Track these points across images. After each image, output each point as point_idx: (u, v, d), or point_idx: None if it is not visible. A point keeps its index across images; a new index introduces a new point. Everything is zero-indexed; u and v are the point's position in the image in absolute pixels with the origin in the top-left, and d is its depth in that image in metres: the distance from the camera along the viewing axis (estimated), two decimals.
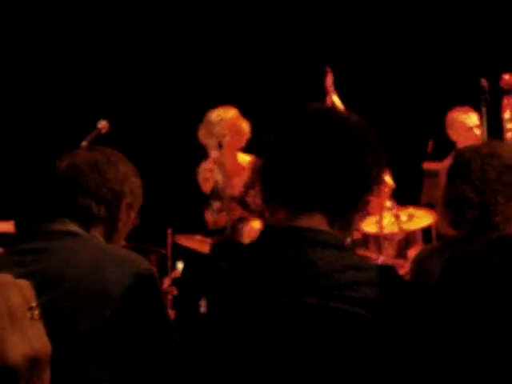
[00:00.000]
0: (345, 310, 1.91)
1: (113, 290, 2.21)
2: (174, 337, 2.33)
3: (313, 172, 2.05)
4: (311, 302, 1.93)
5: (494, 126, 5.81)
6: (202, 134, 5.36)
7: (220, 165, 5.16)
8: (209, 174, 5.23)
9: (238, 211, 5.24)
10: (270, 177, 2.14)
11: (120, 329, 2.21)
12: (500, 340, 2.00)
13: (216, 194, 5.24)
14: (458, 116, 6.27)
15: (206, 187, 5.34)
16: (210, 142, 5.25)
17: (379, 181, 2.15)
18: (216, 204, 5.20)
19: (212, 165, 5.26)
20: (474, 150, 2.77)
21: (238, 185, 5.37)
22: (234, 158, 5.41)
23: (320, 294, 1.93)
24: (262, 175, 2.15)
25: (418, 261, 2.95)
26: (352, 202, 2.10)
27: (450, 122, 6.33)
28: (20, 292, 1.51)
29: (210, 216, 5.28)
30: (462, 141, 6.08)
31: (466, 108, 6.12)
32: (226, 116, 5.29)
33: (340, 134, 2.10)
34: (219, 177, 5.25)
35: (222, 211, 5.18)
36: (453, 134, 6.32)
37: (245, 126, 5.36)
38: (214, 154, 5.20)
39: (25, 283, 1.53)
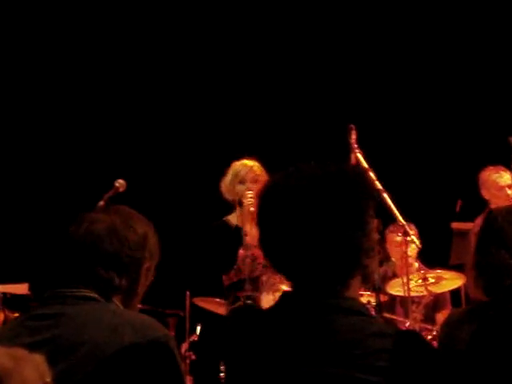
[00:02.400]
0: (368, 379, 1.86)
1: (131, 357, 2.17)
2: None
3: (300, 248, 2.02)
4: (334, 372, 1.88)
5: None
6: (227, 185, 5.27)
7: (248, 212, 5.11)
8: (253, 209, 5.12)
9: (263, 258, 5.13)
10: (267, 245, 2.12)
11: None
12: None
13: (242, 242, 5.16)
14: (491, 175, 6.21)
15: (251, 220, 5.20)
16: (241, 188, 5.16)
17: (372, 242, 2.08)
18: (241, 252, 5.12)
19: (251, 201, 5.15)
20: (506, 212, 2.67)
21: None
22: None
23: (343, 363, 1.88)
24: (261, 242, 2.14)
25: (447, 326, 2.82)
26: (347, 271, 2.04)
27: (483, 181, 6.29)
28: (35, 367, 1.52)
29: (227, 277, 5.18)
30: (494, 200, 6.01)
31: (499, 167, 6.06)
32: (255, 164, 5.24)
33: (319, 205, 2.03)
34: (246, 225, 5.17)
35: (246, 259, 5.11)
36: (485, 194, 6.27)
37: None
38: (249, 193, 5.10)
39: (39, 358, 1.55)
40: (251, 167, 5.23)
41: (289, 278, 2.11)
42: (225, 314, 5.21)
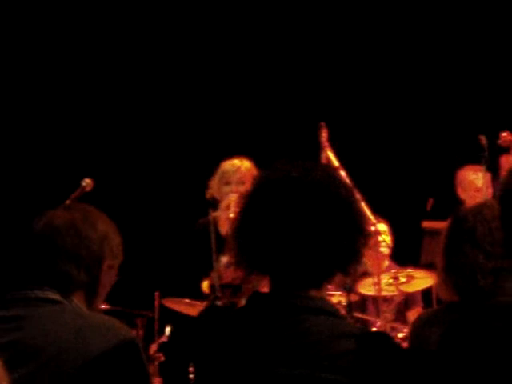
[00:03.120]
0: (335, 380, 1.87)
1: (94, 360, 2.15)
2: None
3: (285, 237, 2.01)
4: (301, 373, 1.88)
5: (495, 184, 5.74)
6: (215, 186, 5.20)
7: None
8: (232, 215, 5.03)
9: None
10: (245, 243, 2.10)
11: None
12: None
13: (224, 248, 5.10)
14: (468, 175, 6.27)
15: (225, 228, 5.11)
16: (226, 190, 5.08)
17: (356, 247, 2.07)
18: (224, 258, 5.07)
19: (235, 204, 5.05)
20: (476, 212, 2.65)
21: None
22: None
23: (310, 364, 1.89)
24: (237, 239, 2.12)
25: (418, 326, 2.86)
26: (326, 274, 2.05)
27: (460, 180, 6.34)
28: None
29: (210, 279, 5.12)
30: (470, 201, 6.02)
31: (476, 167, 6.04)
32: (243, 164, 5.15)
33: (305, 202, 2.03)
34: (224, 229, 5.12)
35: (230, 266, 5.07)
36: (461, 193, 6.34)
37: None
38: (232, 196, 5.02)
39: None
40: (238, 168, 5.12)
41: (270, 275, 2.09)
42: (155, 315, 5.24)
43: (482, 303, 2.43)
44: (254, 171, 5.11)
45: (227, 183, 5.12)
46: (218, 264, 5.01)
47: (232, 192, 5.03)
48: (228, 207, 4.99)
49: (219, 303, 4.89)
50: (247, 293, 4.97)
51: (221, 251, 5.01)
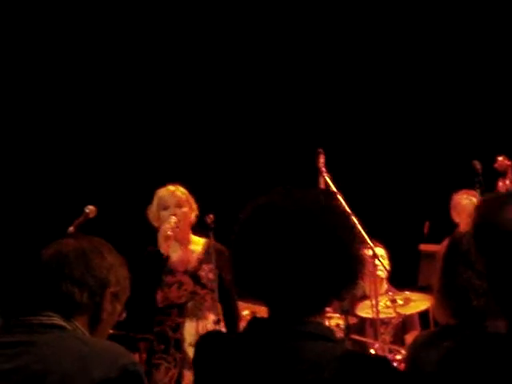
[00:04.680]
0: None
1: None
2: None
3: (277, 267, 2.01)
4: None
5: None
6: (153, 213, 5.27)
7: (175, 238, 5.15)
8: (170, 233, 5.11)
9: (190, 286, 5.16)
10: (240, 273, 2.10)
11: None
12: None
13: (168, 268, 5.16)
14: (462, 200, 6.32)
15: (166, 250, 5.19)
16: (165, 214, 5.16)
17: (354, 274, 2.08)
18: (168, 278, 5.13)
19: (174, 225, 5.13)
20: (470, 236, 2.69)
21: (191, 260, 5.27)
22: (187, 232, 5.32)
23: None
24: (233, 270, 2.12)
25: (414, 348, 2.81)
26: (324, 296, 2.06)
27: (454, 204, 6.39)
28: None
29: (160, 293, 5.18)
30: (463, 225, 6.05)
31: (470, 192, 6.12)
32: (178, 189, 5.26)
33: (299, 228, 2.02)
34: (176, 251, 5.19)
35: (173, 285, 5.12)
36: (456, 217, 6.38)
37: (194, 202, 5.31)
38: (173, 218, 5.11)
39: None
40: (173, 192, 5.21)
41: (266, 303, 2.09)
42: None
43: (476, 328, 2.51)
44: (190, 196, 5.22)
45: (165, 208, 5.20)
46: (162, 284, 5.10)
47: (170, 215, 5.13)
48: (167, 229, 5.08)
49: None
50: (192, 313, 5.05)
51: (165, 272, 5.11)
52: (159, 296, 5.14)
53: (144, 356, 5.38)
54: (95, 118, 7.77)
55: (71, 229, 4.64)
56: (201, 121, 7.82)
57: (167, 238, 5.09)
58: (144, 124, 7.87)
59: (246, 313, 5.65)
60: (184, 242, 5.28)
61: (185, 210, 5.19)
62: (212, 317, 5.13)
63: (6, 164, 7.45)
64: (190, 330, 5.04)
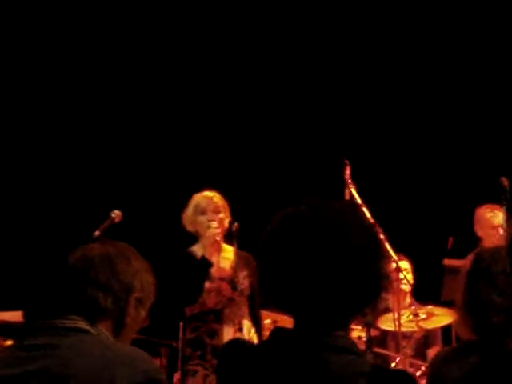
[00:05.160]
0: None
1: None
2: None
3: (302, 279, 2.01)
4: None
5: None
6: (189, 217, 5.31)
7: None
8: (219, 238, 5.16)
9: (228, 292, 5.18)
10: (265, 282, 2.10)
11: None
12: None
13: (208, 275, 5.19)
14: (485, 213, 6.28)
15: (212, 251, 5.23)
16: (202, 219, 5.19)
17: (380, 289, 2.08)
18: (207, 284, 5.15)
19: (217, 231, 5.18)
20: (493, 252, 2.71)
21: (226, 267, 5.31)
22: (222, 236, 5.36)
23: None
24: (260, 279, 2.13)
25: (436, 364, 2.83)
26: (350, 315, 2.06)
27: (477, 218, 6.36)
28: None
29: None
30: (487, 238, 6.06)
31: (494, 206, 6.09)
32: (215, 195, 5.34)
33: (328, 239, 2.02)
34: (216, 258, 5.23)
35: (212, 291, 5.14)
36: (479, 231, 6.34)
37: (228, 208, 5.35)
38: (214, 224, 5.15)
39: None
40: (211, 198, 5.29)
41: (292, 314, 2.08)
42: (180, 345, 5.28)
43: (497, 345, 2.51)
44: (225, 202, 5.26)
45: (203, 213, 5.25)
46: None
47: (209, 221, 5.18)
48: (214, 234, 5.12)
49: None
50: (229, 319, 5.07)
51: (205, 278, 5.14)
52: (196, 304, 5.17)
53: (164, 361, 5.41)
54: (122, 123, 7.80)
55: (97, 233, 4.66)
56: (229, 129, 7.83)
57: (214, 242, 5.15)
58: (171, 131, 7.88)
59: (267, 321, 5.66)
60: (219, 249, 5.32)
61: (221, 216, 5.24)
62: (248, 323, 5.17)
63: (35, 168, 7.50)
64: (229, 337, 5.05)
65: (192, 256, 5.26)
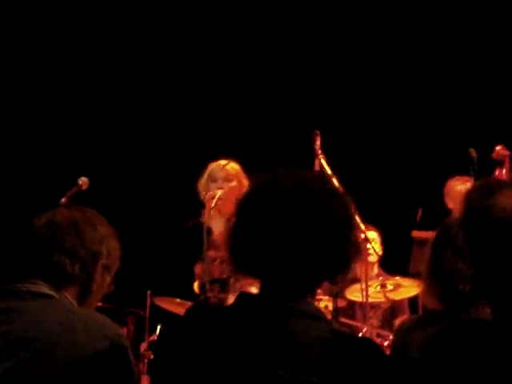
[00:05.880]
0: (315, 383, 1.88)
1: (83, 355, 2.17)
2: None
3: (275, 244, 2.02)
4: (282, 375, 1.90)
5: None
6: (202, 186, 5.27)
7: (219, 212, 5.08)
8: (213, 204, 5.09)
9: None
10: (236, 246, 2.12)
11: None
12: None
13: (212, 242, 5.14)
14: (456, 185, 6.27)
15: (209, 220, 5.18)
16: (213, 186, 5.16)
17: (351, 256, 2.10)
18: (211, 253, 5.12)
19: (215, 195, 5.13)
20: (460, 221, 2.70)
21: None
22: (233, 206, 5.28)
23: (292, 366, 1.90)
24: (229, 241, 2.14)
25: (400, 332, 2.89)
26: (317, 277, 2.07)
27: (448, 190, 6.36)
28: None
29: (199, 269, 5.17)
30: (457, 210, 6.03)
31: (465, 178, 6.09)
32: (229, 164, 5.25)
33: (303, 205, 2.05)
34: (218, 224, 5.17)
35: (216, 261, 5.12)
36: (449, 203, 6.35)
37: (246, 181, 5.26)
38: (218, 191, 5.10)
39: None
40: (224, 166, 5.22)
41: (259, 279, 2.12)
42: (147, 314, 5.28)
43: (461, 314, 2.54)
44: (241, 173, 5.19)
45: (214, 181, 5.19)
46: (205, 260, 5.07)
47: (218, 188, 5.13)
48: (212, 198, 5.08)
49: (208, 300, 4.94)
50: (234, 288, 5.04)
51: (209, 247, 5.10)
52: (199, 270, 5.12)
53: (132, 330, 5.40)
54: (91, 90, 7.72)
55: (63, 200, 4.63)
56: (201, 98, 7.79)
57: (211, 209, 5.08)
58: (137, 96, 7.83)
59: None
60: (229, 218, 5.18)
61: (232, 184, 5.17)
62: (256, 291, 5.11)
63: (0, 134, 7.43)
64: None
65: (196, 223, 5.19)
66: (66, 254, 2.36)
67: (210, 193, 5.08)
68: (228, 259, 2.17)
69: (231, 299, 5.00)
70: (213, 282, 5.08)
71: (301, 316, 1.99)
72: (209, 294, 4.99)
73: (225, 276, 5.10)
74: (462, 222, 2.11)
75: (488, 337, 1.94)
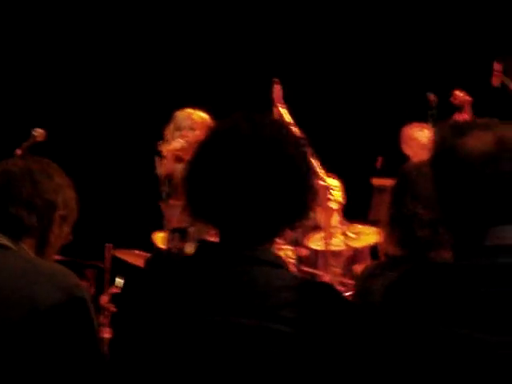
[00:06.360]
0: (279, 330, 1.89)
1: (41, 305, 2.16)
2: (101, 356, 2.26)
3: (234, 192, 2.01)
4: (246, 322, 1.91)
5: None
6: (169, 130, 5.20)
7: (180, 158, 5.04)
8: (168, 155, 5.03)
9: None
10: (193, 194, 2.10)
11: (45, 345, 2.16)
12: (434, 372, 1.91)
13: (174, 190, 5.10)
14: (413, 132, 6.26)
15: (161, 170, 5.12)
16: (177, 135, 5.09)
17: (307, 202, 2.09)
18: (172, 201, 5.08)
19: (173, 148, 5.07)
20: (419, 166, 2.72)
21: None
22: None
23: (257, 314, 1.92)
24: (185, 189, 2.12)
25: (362, 279, 2.92)
26: (276, 223, 2.06)
27: (405, 137, 6.33)
28: None
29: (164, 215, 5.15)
30: (416, 157, 6.05)
31: (422, 124, 6.09)
32: (195, 112, 5.18)
33: (258, 150, 2.03)
34: (179, 172, 5.12)
35: (177, 208, 5.08)
36: (407, 150, 6.33)
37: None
38: (179, 142, 5.04)
39: None
40: (190, 114, 5.14)
41: (217, 227, 2.11)
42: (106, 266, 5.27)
43: (420, 259, 2.57)
44: (208, 122, 5.12)
45: (178, 129, 5.12)
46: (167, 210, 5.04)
47: (181, 137, 5.08)
48: (171, 150, 5.03)
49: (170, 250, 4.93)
50: (194, 237, 5.01)
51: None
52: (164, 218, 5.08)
53: (92, 283, 5.39)
54: (48, 32, 7.60)
55: (18, 151, 4.58)
56: (157, 44, 7.73)
57: (170, 158, 5.00)
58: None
59: None
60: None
61: (197, 133, 5.09)
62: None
63: None
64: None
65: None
66: (22, 205, 2.35)
67: (172, 145, 5.03)
68: (185, 207, 2.14)
69: (188, 248, 4.99)
70: (173, 231, 5.05)
71: (262, 264, 1.99)
72: (169, 244, 4.98)
73: (184, 225, 5.06)
74: (430, 161, 2.10)
75: (450, 279, 1.94)
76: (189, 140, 5.02)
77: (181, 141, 5.02)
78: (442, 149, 2.06)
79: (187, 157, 4.92)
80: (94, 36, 7.67)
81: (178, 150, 5.02)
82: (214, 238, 4.89)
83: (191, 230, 5.04)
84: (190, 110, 5.18)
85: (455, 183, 1.99)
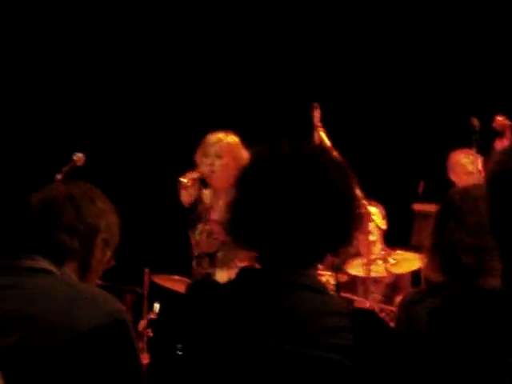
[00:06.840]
0: (323, 356, 1.89)
1: (84, 330, 2.16)
2: (142, 381, 2.25)
3: (277, 217, 2.01)
4: (289, 349, 1.92)
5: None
6: (198, 155, 5.18)
7: (209, 185, 5.09)
8: (190, 183, 5.01)
9: (221, 235, 5.06)
10: (237, 218, 2.10)
11: (88, 370, 2.15)
12: None
13: (200, 215, 5.09)
14: (460, 159, 6.26)
15: (185, 198, 5.11)
16: (205, 162, 5.07)
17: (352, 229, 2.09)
18: (200, 226, 5.06)
19: (196, 176, 5.05)
20: (465, 192, 2.68)
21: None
22: (227, 183, 5.21)
23: (299, 340, 1.91)
24: (230, 216, 2.12)
25: (403, 306, 2.90)
26: (319, 250, 2.06)
27: (452, 164, 6.34)
28: None
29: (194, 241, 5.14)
30: (461, 183, 6.02)
31: (468, 151, 6.05)
32: (225, 138, 5.12)
33: (304, 180, 2.04)
34: (207, 197, 5.11)
35: (204, 233, 5.07)
36: (453, 176, 6.33)
37: (244, 154, 5.12)
38: (203, 168, 5.02)
39: None
40: (219, 140, 5.09)
41: (260, 253, 2.09)
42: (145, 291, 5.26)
43: (465, 285, 2.50)
44: (238, 147, 5.07)
45: (205, 155, 5.09)
46: (195, 233, 5.04)
47: (209, 164, 5.04)
48: (193, 179, 5.01)
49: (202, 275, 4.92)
50: (222, 262, 4.99)
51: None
52: (193, 243, 5.07)
53: (130, 308, 5.39)
54: (88, 60, 7.66)
55: (59, 176, 4.61)
56: (195, 71, 7.76)
57: (184, 186, 4.99)
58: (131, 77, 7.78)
59: None
60: (223, 193, 4.99)
61: (224, 161, 5.05)
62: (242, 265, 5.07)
63: None
64: (223, 279, 4.95)
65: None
66: (64, 229, 2.35)
67: (188, 174, 5.01)
68: (227, 232, 2.15)
69: (219, 274, 4.97)
70: (200, 256, 5.04)
71: (304, 289, 1.99)
72: (198, 269, 4.98)
73: (212, 250, 5.05)
74: (487, 184, 2.01)
75: (498, 305, 1.88)
76: (214, 169, 5.00)
77: (203, 170, 5.00)
78: (500, 172, 1.99)
79: (216, 183, 4.98)
80: (132, 64, 7.73)
81: (201, 177, 5.01)
82: (242, 263, 4.93)
83: (220, 254, 5.03)
84: (220, 136, 5.14)
85: None
